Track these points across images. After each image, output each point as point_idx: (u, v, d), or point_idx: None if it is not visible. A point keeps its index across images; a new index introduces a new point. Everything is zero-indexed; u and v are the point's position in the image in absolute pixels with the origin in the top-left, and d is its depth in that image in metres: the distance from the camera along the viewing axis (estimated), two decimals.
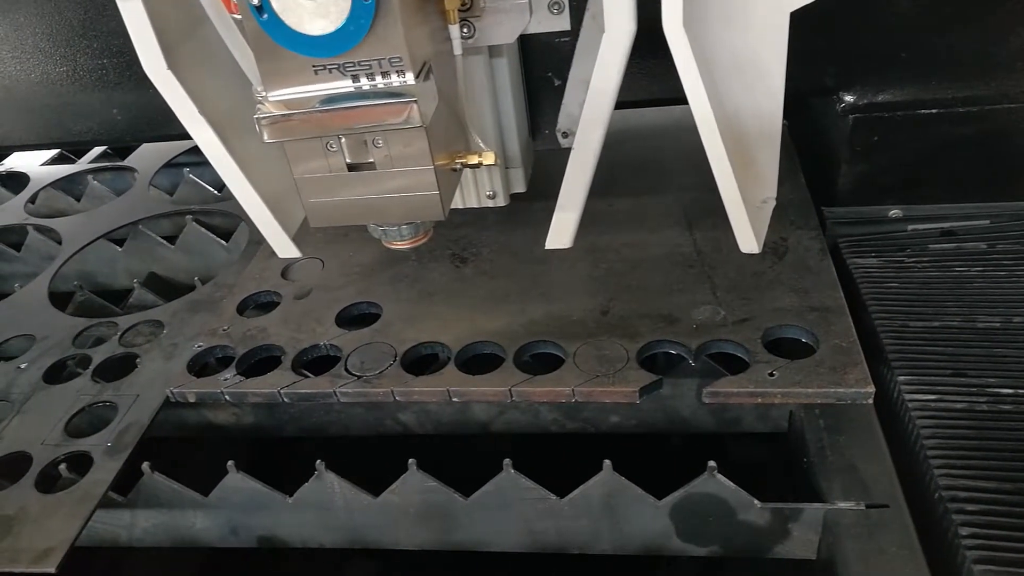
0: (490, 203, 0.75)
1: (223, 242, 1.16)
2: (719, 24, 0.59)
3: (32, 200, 1.36)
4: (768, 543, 0.72)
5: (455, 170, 0.68)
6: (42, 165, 1.51)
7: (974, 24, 0.85)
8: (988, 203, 0.94)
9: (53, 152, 1.53)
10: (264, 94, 0.59)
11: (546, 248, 0.73)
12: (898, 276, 0.88)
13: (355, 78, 0.57)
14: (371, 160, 0.61)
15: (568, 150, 0.67)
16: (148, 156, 1.42)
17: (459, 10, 0.63)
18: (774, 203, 0.69)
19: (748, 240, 0.65)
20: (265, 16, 0.54)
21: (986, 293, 0.84)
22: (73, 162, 1.50)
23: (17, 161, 1.51)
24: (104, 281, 1.21)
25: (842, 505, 0.67)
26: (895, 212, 0.96)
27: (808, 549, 0.71)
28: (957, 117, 0.90)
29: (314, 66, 0.56)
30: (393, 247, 0.73)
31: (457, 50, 0.64)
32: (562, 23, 0.70)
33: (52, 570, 0.67)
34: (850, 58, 0.89)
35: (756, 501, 0.69)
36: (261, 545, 0.82)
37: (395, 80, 0.56)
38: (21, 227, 1.28)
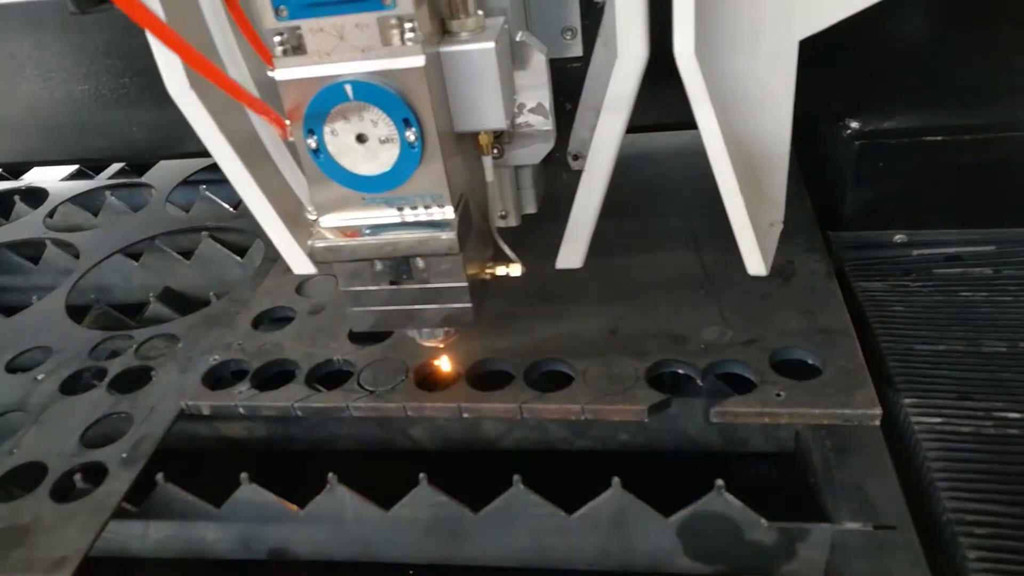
0: (501, 223, 0.76)
1: (238, 258, 1.18)
2: (729, 51, 0.60)
3: (51, 215, 1.39)
4: (775, 563, 0.73)
5: (485, 280, 0.74)
6: (61, 181, 1.53)
7: (980, 52, 0.87)
8: (993, 229, 0.95)
9: (72, 168, 1.56)
10: (316, 217, 0.65)
11: (556, 268, 0.74)
12: (904, 300, 0.89)
13: (400, 209, 0.63)
14: (411, 277, 0.67)
15: (578, 172, 0.69)
16: (165, 173, 1.45)
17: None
18: (781, 226, 0.70)
19: (756, 262, 0.66)
20: (321, 157, 0.60)
21: (992, 318, 0.84)
22: (91, 178, 1.53)
23: (37, 176, 1.54)
24: (120, 295, 1.23)
25: (850, 526, 0.68)
26: (900, 237, 0.98)
27: (815, 569, 0.72)
28: (963, 144, 0.91)
29: (363, 198, 0.62)
30: (427, 344, 0.79)
31: (490, 177, 0.70)
32: (575, 49, 0.72)
33: None
34: (857, 85, 0.91)
35: (763, 520, 0.70)
36: (272, 557, 0.83)
37: (435, 213, 0.62)
38: (40, 241, 1.30)
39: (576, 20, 0.74)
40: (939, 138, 0.91)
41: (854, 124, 0.93)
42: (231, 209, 1.30)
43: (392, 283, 0.68)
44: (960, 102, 0.90)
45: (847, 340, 0.78)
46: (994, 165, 0.92)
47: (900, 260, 0.95)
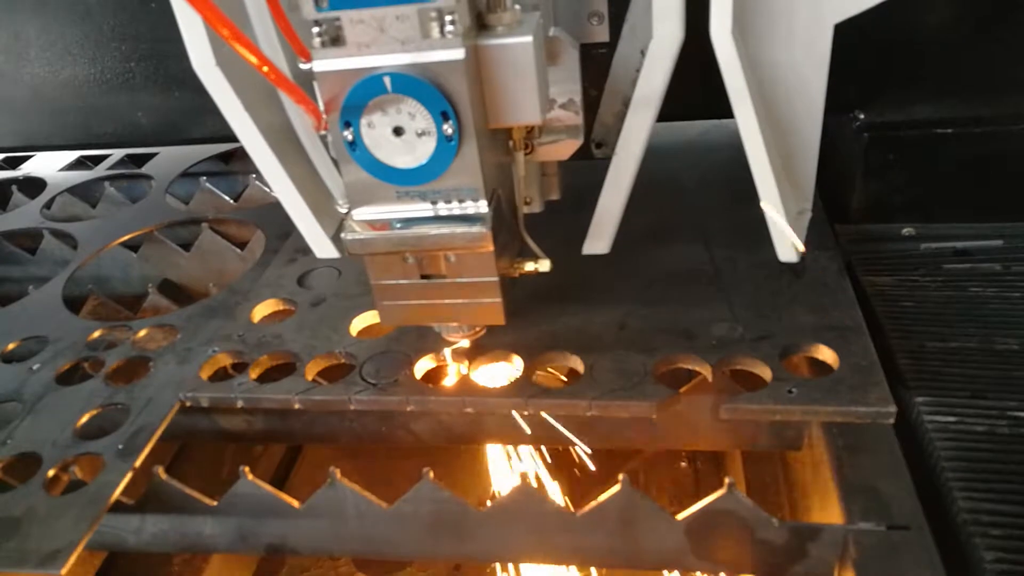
0: (525, 209, 0.76)
1: (238, 250, 1.16)
2: (763, 35, 0.59)
3: (48, 205, 1.37)
4: (785, 563, 0.71)
5: (513, 278, 0.74)
6: (60, 171, 1.51)
7: (992, 43, 0.86)
8: (1001, 223, 0.94)
9: (72, 158, 1.54)
10: (348, 210, 0.65)
11: (583, 253, 0.73)
12: (913, 295, 0.87)
13: (433, 202, 0.63)
14: (442, 272, 0.67)
15: (601, 160, 0.68)
16: (165, 164, 1.43)
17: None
18: (810, 213, 0.69)
19: (787, 249, 0.65)
20: (357, 150, 0.60)
21: (1002, 314, 0.83)
22: (91, 169, 1.51)
23: (35, 166, 1.52)
24: (119, 286, 1.21)
25: (862, 526, 0.66)
26: (908, 230, 0.96)
27: (826, 570, 0.70)
28: (972, 137, 0.90)
29: (397, 191, 0.62)
30: (451, 339, 0.78)
31: (521, 172, 0.70)
32: (601, 35, 0.72)
33: (59, 572, 0.66)
34: (866, 76, 0.90)
35: (774, 519, 0.69)
36: (270, 552, 0.81)
37: (469, 207, 0.62)
38: (37, 231, 1.28)
39: (603, 5, 0.73)
40: (949, 130, 0.90)
41: (863, 115, 0.91)
42: (231, 201, 1.29)
43: (423, 277, 0.67)
44: (971, 94, 0.89)
45: (860, 337, 0.77)
46: (1004, 158, 0.91)
47: (908, 254, 0.94)
